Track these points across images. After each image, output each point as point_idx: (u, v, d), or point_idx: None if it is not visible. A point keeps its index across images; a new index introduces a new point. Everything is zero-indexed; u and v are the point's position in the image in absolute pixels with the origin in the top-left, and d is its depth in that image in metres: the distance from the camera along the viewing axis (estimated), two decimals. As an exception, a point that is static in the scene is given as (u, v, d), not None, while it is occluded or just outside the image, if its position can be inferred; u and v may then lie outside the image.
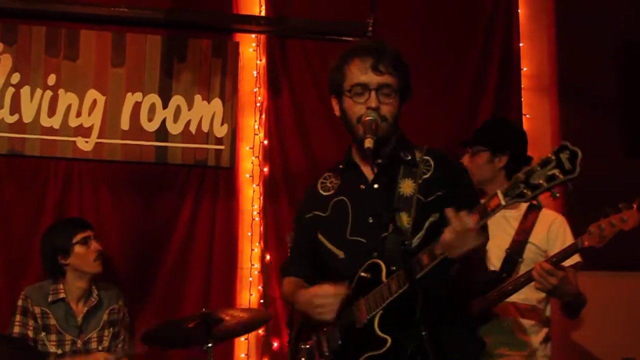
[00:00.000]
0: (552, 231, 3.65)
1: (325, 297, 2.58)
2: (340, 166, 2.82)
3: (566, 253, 3.43)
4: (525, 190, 2.24)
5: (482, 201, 2.38)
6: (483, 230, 2.38)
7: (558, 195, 2.23)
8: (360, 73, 2.63)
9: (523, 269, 3.56)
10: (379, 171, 2.60)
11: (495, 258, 3.62)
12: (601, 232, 3.31)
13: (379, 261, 2.56)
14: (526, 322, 3.61)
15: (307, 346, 2.73)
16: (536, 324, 3.64)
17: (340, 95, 2.70)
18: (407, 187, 2.64)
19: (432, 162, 2.70)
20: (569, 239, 3.59)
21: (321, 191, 2.83)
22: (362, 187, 2.71)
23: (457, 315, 2.66)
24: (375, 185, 2.68)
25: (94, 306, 4.23)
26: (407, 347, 2.46)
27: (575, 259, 3.55)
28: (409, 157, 2.69)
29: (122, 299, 4.36)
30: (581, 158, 2.17)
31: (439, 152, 2.76)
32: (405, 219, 2.58)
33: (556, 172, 2.19)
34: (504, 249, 3.63)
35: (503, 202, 2.29)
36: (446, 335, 2.49)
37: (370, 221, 2.64)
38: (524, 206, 3.68)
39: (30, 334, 4.10)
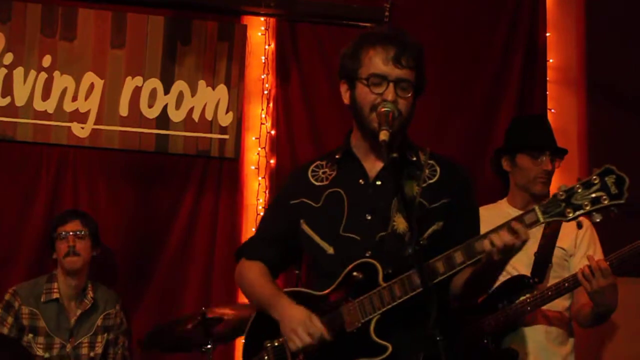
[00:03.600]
0: (579, 234, 3.56)
1: (310, 334, 2.45)
2: (337, 156, 2.69)
3: (625, 256, 3.31)
4: (567, 210, 2.21)
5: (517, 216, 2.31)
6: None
7: (598, 220, 2.21)
8: (381, 63, 2.53)
9: (552, 274, 3.49)
10: (383, 168, 2.55)
11: (521, 263, 3.49)
12: None
13: (374, 262, 2.47)
14: (555, 331, 3.55)
15: (276, 344, 2.55)
16: (564, 333, 3.57)
17: (352, 82, 2.58)
18: (409, 189, 2.54)
19: (437, 167, 2.64)
20: (592, 244, 3.54)
21: (312, 180, 2.70)
22: (361, 181, 2.61)
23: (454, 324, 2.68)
24: (378, 182, 2.58)
25: (89, 309, 4.11)
26: (413, 354, 2.40)
27: None
28: (414, 158, 2.62)
29: (120, 304, 4.25)
30: (629, 184, 2.16)
31: (443, 157, 2.70)
32: (403, 222, 2.49)
33: (602, 195, 2.18)
34: (532, 254, 3.52)
35: (542, 220, 2.25)
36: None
37: (368, 218, 2.55)
38: None
39: (5, 330, 3.96)
